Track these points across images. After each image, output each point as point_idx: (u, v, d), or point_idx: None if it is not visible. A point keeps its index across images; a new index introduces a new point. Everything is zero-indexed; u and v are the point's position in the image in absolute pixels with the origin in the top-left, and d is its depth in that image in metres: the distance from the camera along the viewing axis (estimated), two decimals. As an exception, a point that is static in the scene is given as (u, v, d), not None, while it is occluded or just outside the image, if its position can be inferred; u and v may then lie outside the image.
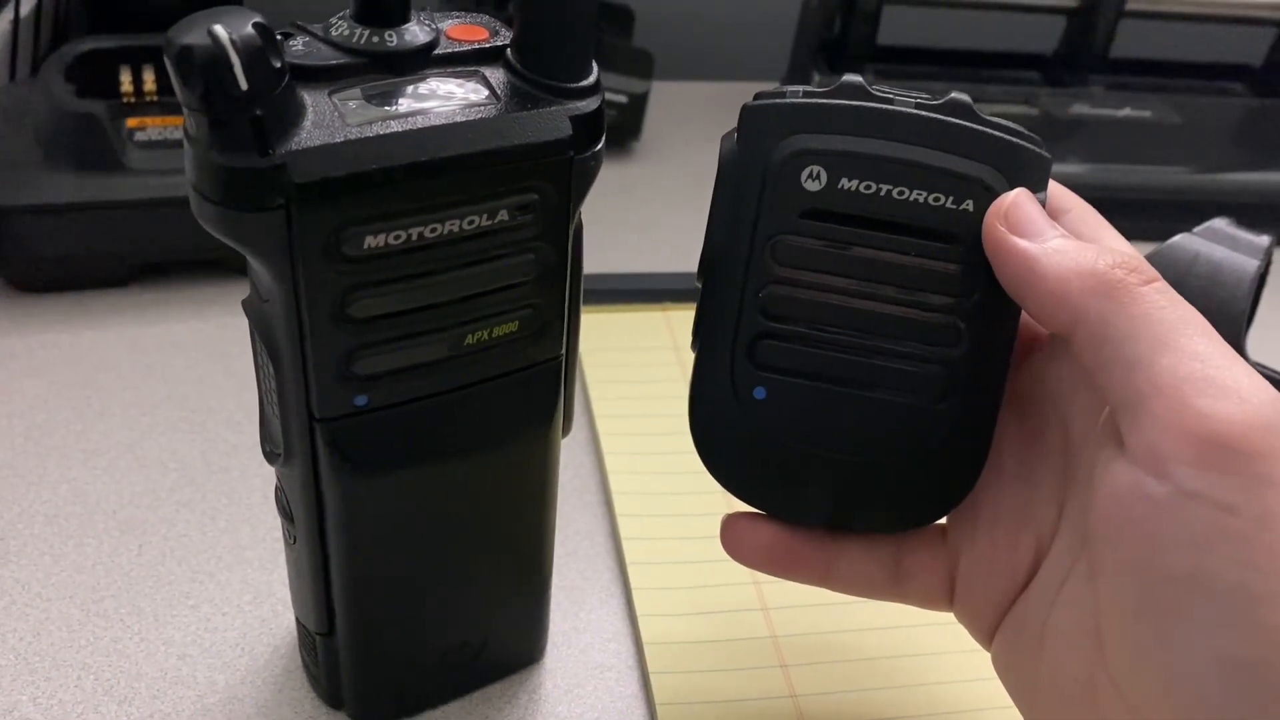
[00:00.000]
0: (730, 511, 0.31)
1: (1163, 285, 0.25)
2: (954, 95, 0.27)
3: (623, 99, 0.63)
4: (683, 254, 0.57)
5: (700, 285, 0.29)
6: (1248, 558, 0.22)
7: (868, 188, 0.27)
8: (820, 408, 0.28)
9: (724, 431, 0.29)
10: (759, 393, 0.28)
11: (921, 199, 0.27)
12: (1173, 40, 0.71)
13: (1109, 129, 0.65)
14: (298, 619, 0.33)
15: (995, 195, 0.27)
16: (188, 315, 0.49)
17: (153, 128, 0.51)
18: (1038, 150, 0.27)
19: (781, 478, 0.29)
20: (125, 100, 0.52)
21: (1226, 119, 0.69)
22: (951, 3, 0.68)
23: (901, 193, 0.27)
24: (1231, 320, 0.41)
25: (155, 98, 0.52)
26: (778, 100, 0.28)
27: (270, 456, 0.29)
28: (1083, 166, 0.63)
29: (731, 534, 0.31)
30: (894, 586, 0.31)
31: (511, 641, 0.35)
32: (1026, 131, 0.28)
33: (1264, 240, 0.42)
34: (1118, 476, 0.24)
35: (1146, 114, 0.65)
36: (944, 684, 0.35)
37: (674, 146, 0.66)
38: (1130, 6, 0.66)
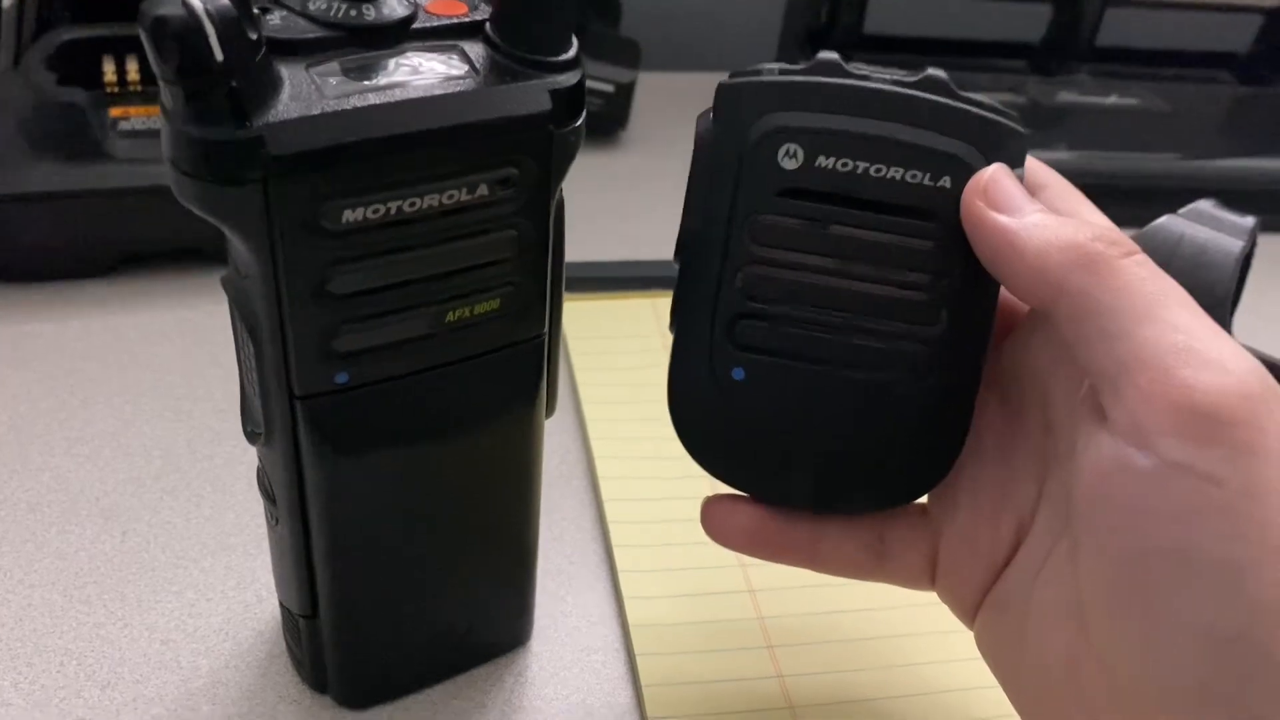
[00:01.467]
0: (711, 495, 0.31)
1: (1142, 258, 0.25)
2: (930, 71, 0.27)
3: (610, 89, 0.62)
4: (670, 242, 0.57)
5: (677, 266, 0.29)
6: (1233, 530, 0.22)
7: (844, 165, 0.27)
8: (799, 387, 0.28)
9: (703, 413, 0.29)
10: (738, 373, 0.28)
11: (898, 176, 0.27)
12: (1159, 28, 0.71)
13: (1096, 117, 0.65)
14: (281, 602, 0.33)
15: (973, 172, 0.26)
16: (172, 304, 0.49)
17: (136, 117, 0.51)
18: (1014, 126, 0.27)
19: (761, 458, 0.29)
20: (108, 89, 0.52)
21: (1213, 106, 0.69)
22: (938, -9, 0.68)
23: (879, 170, 0.27)
24: (1217, 301, 0.41)
25: (139, 87, 0.52)
26: (753, 78, 0.27)
27: (251, 436, 0.29)
28: (1070, 154, 0.63)
29: (712, 516, 0.31)
30: (876, 566, 0.30)
31: (497, 624, 0.35)
32: (1003, 108, 0.27)
33: (1249, 221, 0.42)
34: (1100, 450, 0.24)
35: (1133, 102, 0.66)
36: (929, 664, 0.35)
37: (661, 136, 0.66)
38: (1116, -6, 0.67)
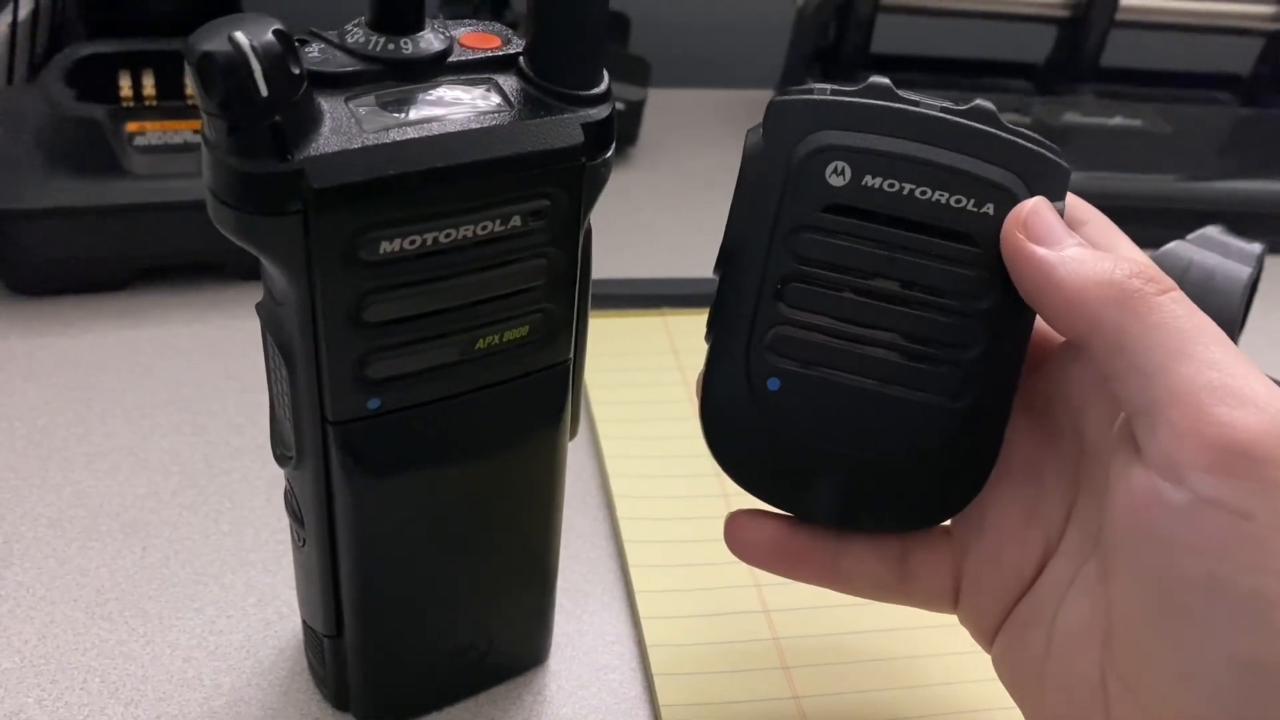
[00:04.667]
0: (733, 510, 0.31)
1: (1179, 295, 0.25)
2: (979, 102, 0.28)
3: (620, 106, 0.63)
4: (681, 260, 0.58)
5: (718, 276, 0.29)
6: (1263, 563, 0.22)
7: (891, 186, 0.27)
8: (833, 401, 0.28)
9: (735, 423, 0.29)
10: (772, 384, 0.29)
11: (943, 200, 0.27)
12: (1162, 50, 0.72)
13: (1100, 137, 0.65)
14: (304, 621, 0.33)
15: (1016, 200, 0.27)
16: (188, 318, 0.49)
17: (152, 132, 0.51)
18: (1058, 160, 0.28)
19: (791, 471, 0.29)
20: (125, 105, 0.52)
21: (1216, 128, 0.69)
22: (945, 11, 0.68)
23: (924, 192, 0.27)
24: (1225, 326, 0.42)
25: (155, 102, 0.52)
26: (805, 96, 0.28)
27: (281, 459, 0.29)
28: (1074, 174, 0.63)
29: (735, 531, 0.31)
30: (899, 586, 0.31)
31: (516, 643, 0.35)
32: (1047, 142, 0.28)
33: (1256, 248, 0.43)
34: (1134, 482, 0.24)
35: (1137, 123, 0.66)
36: (946, 685, 0.36)
37: (670, 153, 0.66)
38: (1121, 16, 0.67)
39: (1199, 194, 0.63)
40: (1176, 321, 0.24)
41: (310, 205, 0.24)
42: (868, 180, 0.27)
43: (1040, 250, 0.26)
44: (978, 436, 0.29)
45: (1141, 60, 0.71)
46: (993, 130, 0.27)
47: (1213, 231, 0.45)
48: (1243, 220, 0.53)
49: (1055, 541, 0.28)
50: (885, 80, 0.28)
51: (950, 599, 0.31)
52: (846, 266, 0.28)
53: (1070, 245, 0.26)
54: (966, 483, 0.29)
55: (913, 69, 0.69)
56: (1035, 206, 0.27)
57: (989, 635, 0.30)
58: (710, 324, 0.29)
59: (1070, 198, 0.29)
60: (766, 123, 0.28)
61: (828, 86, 0.28)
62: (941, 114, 0.27)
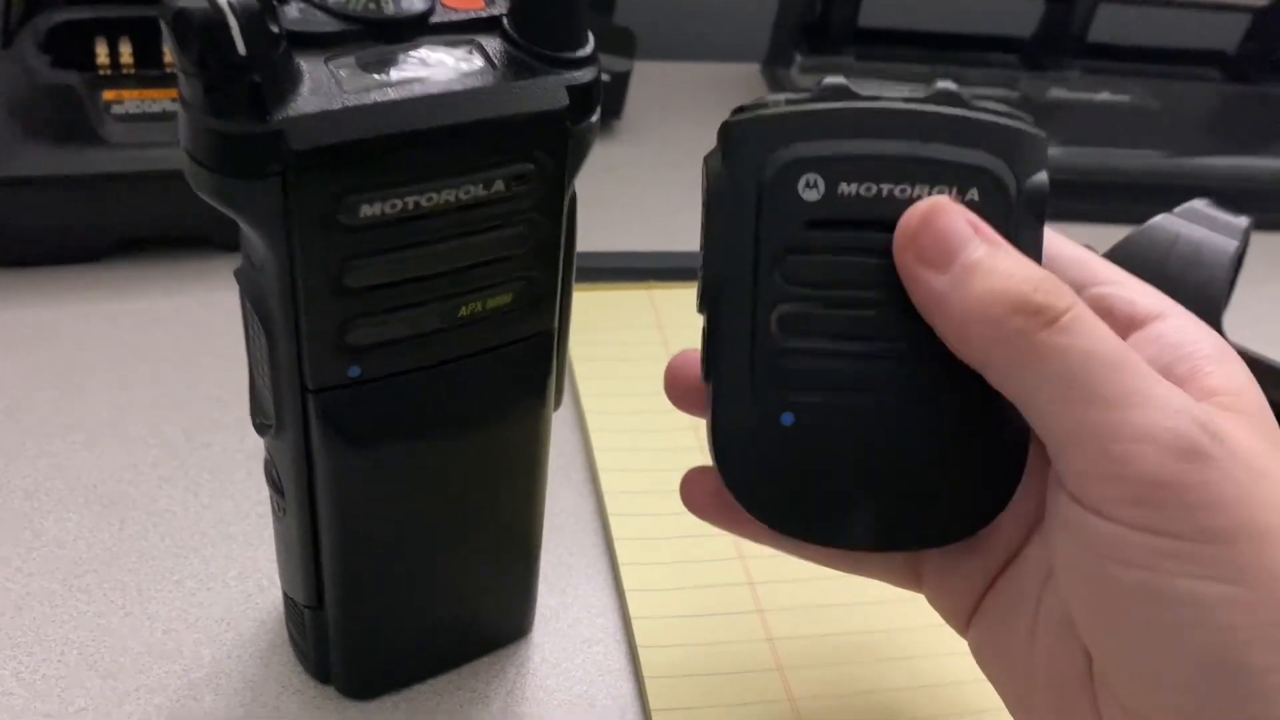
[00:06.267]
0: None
1: (1070, 317, 0.23)
2: (940, 85, 0.26)
3: (605, 77, 0.62)
4: (666, 233, 0.58)
5: (704, 315, 0.27)
6: (1193, 569, 0.22)
7: (869, 190, 0.26)
8: (852, 424, 0.27)
9: (754, 463, 0.27)
10: (787, 419, 0.27)
11: (925, 194, 0.26)
12: (1150, 25, 0.72)
13: (1087, 113, 0.65)
14: (285, 593, 0.33)
15: (1000, 182, 0.26)
16: (168, 290, 0.48)
17: (130, 100, 0.50)
18: (1032, 131, 0.27)
19: (823, 504, 0.28)
20: (102, 72, 0.51)
21: (1203, 104, 0.69)
22: (932, -15, 0.68)
23: (904, 190, 0.26)
24: (1211, 300, 0.42)
25: (132, 70, 0.51)
26: (760, 111, 0.26)
27: (261, 428, 0.29)
28: (1061, 150, 0.63)
29: (687, 485, 0.30)
30: (852, 563, 0.30)
31: (500, 616, 0.35)
32: (1018, 113, 0.27)
33: (1242, 221, 0.42)
34: (1069, 514, 0.24)
35: (1125, 98, 0.66)
36: (929, 657, 0.36)
37: (656, 126, 0.66)
38: (1108, -9, 0.67)
39: (1186, 169, 0.63)
40: (1062, 356, 0.23)
41: (289, 167, 0.23)
42: (843, 188, 0.26)
43: (928, 278, 0.25)
44: (1008, 431, 0.27)
45: (1130, 35, 0.71)
46: (960, 112, 0.26)
47: (1199, 205, 0.45)
48: (1229, 196, 0.53)
49: (1032, 523, 0.27)
50: (840, 79, 0.26)
51: (911, 574, 0.30)
52: (841, 281, 0.26)
53: (966, 256, 0.24)
54: (1003, 480, 0.27)
55: (900, 43, 0.69)
56: (926, 215, 0.25)
57: (962, 619, 0.29)
58: (707, 367, 0.27)
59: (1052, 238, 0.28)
60: (725, 147, 0.26)
61: (781, 97, 0.27)
62: (905, 105, 0.26)
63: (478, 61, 0.26)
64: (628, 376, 0.46)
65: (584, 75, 0.26)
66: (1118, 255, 0.39)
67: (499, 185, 0.26)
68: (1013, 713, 0.28)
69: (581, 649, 0.36)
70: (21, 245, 0.48)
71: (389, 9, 0.25)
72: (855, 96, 0.26)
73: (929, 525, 0.28)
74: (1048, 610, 0.26)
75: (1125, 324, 0.27)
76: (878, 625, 0.37)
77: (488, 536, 0.32)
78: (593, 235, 0.52)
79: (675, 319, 0.49)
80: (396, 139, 0.24)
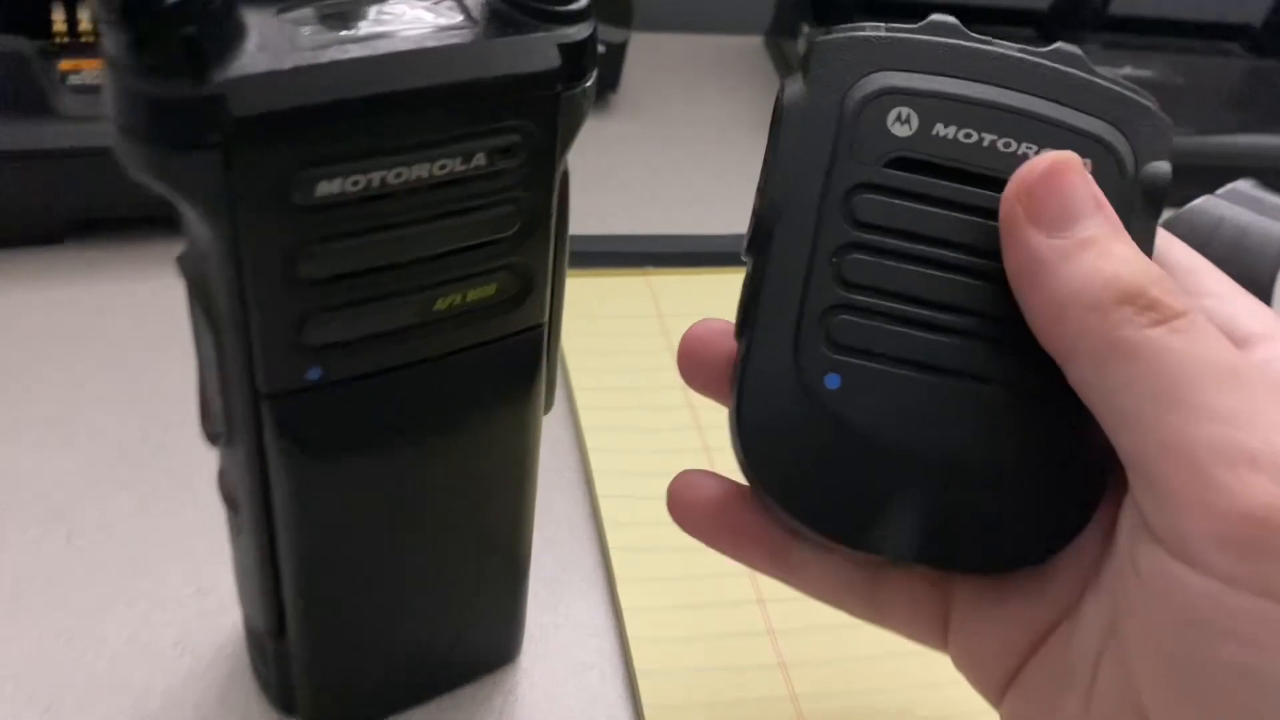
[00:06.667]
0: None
1: (1185, 322, 0.20)
2: (1061, 45, 0.24)
3: (600, 48, 0.59)
4: (665, 215, 0.55)
5: (749, 260, 0.24)
6: None
7: (967, 136, 0.23)
8: (910, 401, 0.23)
9: (783, 434, 0.23)
10: (832, 381, 0.23)
11: (1031, 153, 0.23)
12: (1172, -2, 0.69)
13: (1109, 88, 0.62)
14: (246, 617, 0.30)
15: (1119, 158, 0.23)
16: (128, 275, 0.45)
17: (88, 71, 0.47)
18: (1160, 114, 0.24)
19: (856, 493, 0.24)
20: (58, 39, 0.48)
21: (1229, 80, 0.67)
22: (946, -47, 0.65)
23: (1007, 144, 0.23)
24: (1259, 287, 0.39)
25: (92, 38, 0.48)
26: (857, 33, 0.24)
27: (211, 437, 0.26)
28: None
29: (676, 491, 0.26)
30: (869, 595, 0.26)
31: (484, 640, 0.32)
32: (1144, 91, 0.24)
33: (1291, 203, 0.40)
34: (1145, 560, 0.20)
35: (1148, 73, 0.63)
36: (952, 683, 0.32)
37: (654, 100, 0.63)
38: (1131, -39, 0.64)
39: (1215, 148, 0.60)
40: (1169, 358, 0.20)
41: (231, 137, 0.20)
42: (939, 129, 0.23)
43: (1034, 240, 0.21)
44: (1086, 447, 0.23)
45: (1150, 8, 0.68)
46: (1084, 74, 0.23)
47: (1244, 186, 0.42)
48: (1261, 176, 0.50)
49: (1093, 575, 0.23)
50: (950, 18, 0.24)
51: (935, 632, 0.26)
52: (918, 233, 0.23)
53: (1083, 230, 0.21)
54: (1074, 505, 0.23)
55: (911, 15, 0.65)
56: (1050, 170, 0.22)
57: (996, 686, 0.25)
58: (742, 320, 0.24)
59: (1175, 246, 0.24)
60: (809, 67, 0.24)
61: (880, 24, 0.24)
62: (1021, 54, 0.23)
63: (456, 15, 0.23)
64: (627, 370, 0.43)
65: (578, 32, 0.23)
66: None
67: (480, 159, 0.23)
68: None
69: (575, 675, 0.33)
70: (-31, 227, 0.45)
71: (351, -47, 0.22)
72: (966, 36, 0.24)
73: (979, 545, 0.24)
74: (1108, 685, 0.22)
75: None
76: (902, 649, 0.33)
77: (470, 555, 0.29)
78: (586, 219, 0.49)
79: (676, 308, 0.46)
80: (358, 104, 0.21)
